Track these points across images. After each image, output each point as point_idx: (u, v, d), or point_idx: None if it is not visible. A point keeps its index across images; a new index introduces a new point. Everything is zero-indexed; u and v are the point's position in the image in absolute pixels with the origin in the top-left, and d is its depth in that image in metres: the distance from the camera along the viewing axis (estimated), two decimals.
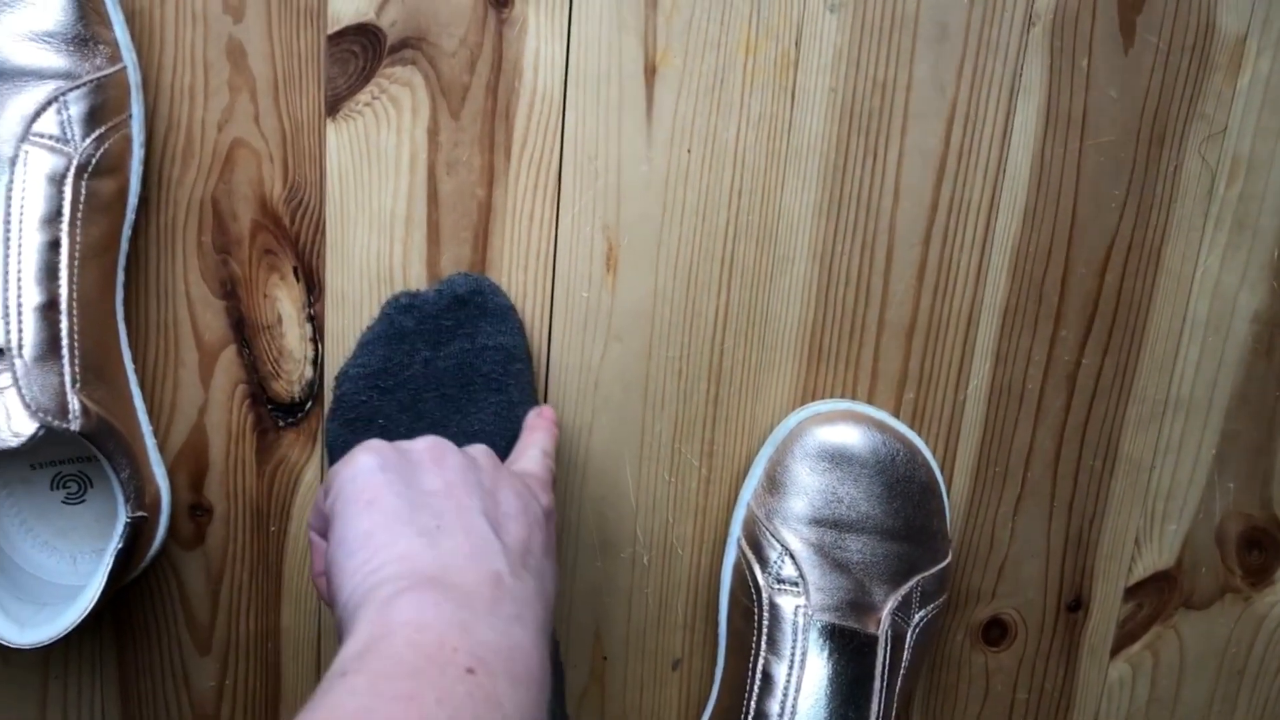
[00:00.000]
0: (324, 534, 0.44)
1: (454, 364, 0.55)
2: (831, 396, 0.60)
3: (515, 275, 0.57)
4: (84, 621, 0.51)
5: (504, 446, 0.55)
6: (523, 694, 0.37)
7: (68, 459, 0.55)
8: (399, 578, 0.38)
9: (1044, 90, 0.57)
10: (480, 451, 0.47)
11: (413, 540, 0.40)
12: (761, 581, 0.56)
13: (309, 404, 0.57)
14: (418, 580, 0.38)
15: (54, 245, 0.47)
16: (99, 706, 0.60)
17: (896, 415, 0.60)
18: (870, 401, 0.60)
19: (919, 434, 0.60)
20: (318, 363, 0.57)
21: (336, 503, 0.42)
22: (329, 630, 0.60)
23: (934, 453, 0.60)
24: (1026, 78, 0.56)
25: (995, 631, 0.64)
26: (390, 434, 0.55)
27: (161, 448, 0.57)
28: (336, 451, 0.56)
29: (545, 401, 0.58)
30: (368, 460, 0.43)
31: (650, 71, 0.55)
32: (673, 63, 0.55)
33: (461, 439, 0.55)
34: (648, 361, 0.58)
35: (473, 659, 0.36)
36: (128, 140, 0.51)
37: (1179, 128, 0.58)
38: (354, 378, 0.55)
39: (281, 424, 0.57)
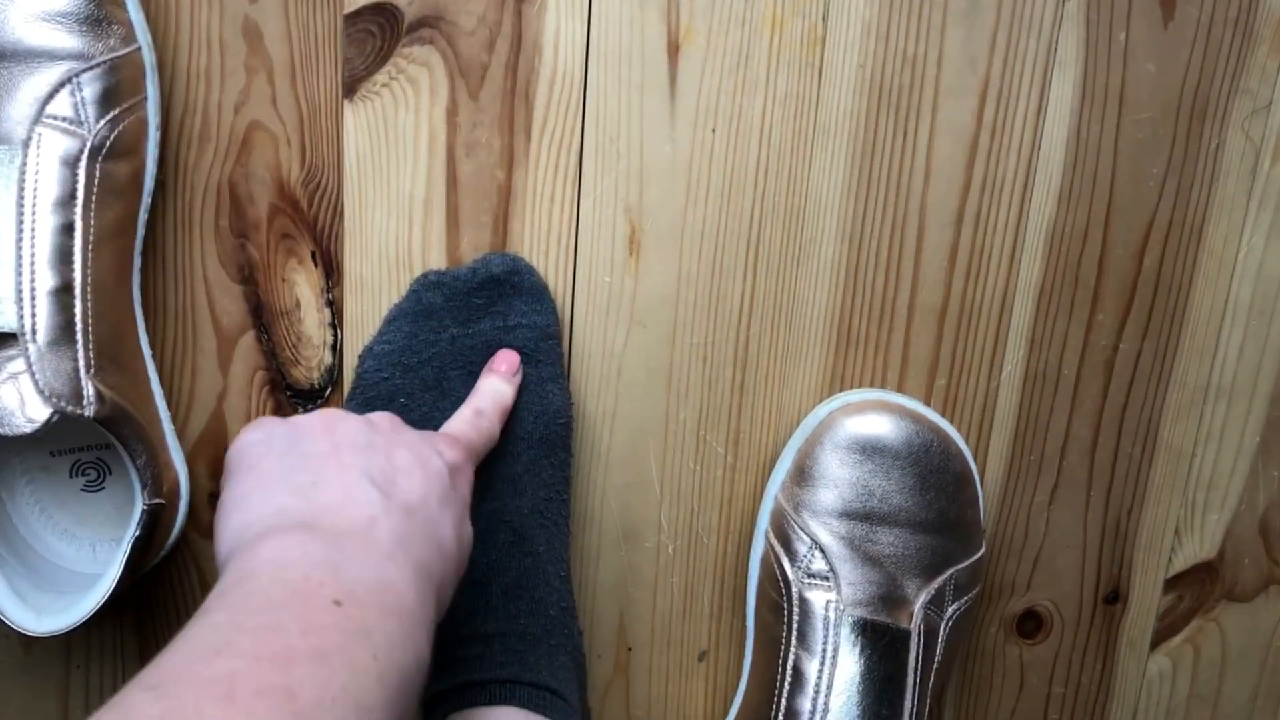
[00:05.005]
0: None
1: (482, 341, 0.54)
2: (860, 383, 0.58)
3: (536, 259, 0.56)
4: (105, 609, 0.51)
5: (532, 421, 0.54)
6: (393, 625, 0.36)
7: (86, 446, 0.55)
8: (268, 527, 0.39)
9: (1080, 65, 0.55)
10: (381, 416, 0.47)
11: (287, 497, 0.40)
12: (791, 575, 0.55)
13: (328, 390, 0.56)
14: (286, 526, 0.38)
15: (68, 229, 0.47)
16: None
17: (928, 402, 0.58)
18: (901, 388, 0.58)
19: (951, 422, 0.58)
20: (337, 348, 0.56)
21: (223, 477, 0.43)
22: None
23: (967, 441, 0.58)
24: (1062, 52, 0.55)
25: (1030, 624, 0.63)
26: (411, 413, 0.54)
27: (181, 435, 0.56)
28: None
29: (570, 389, 0.57)
30: (252, 435, 0.44)
31: (673, 49, 0.54)
32: (696, 40, 0.54)
33: None
34: (672, 348, 0.57)
35: (340, 592, 0.35)
36: (143, 123, 0.50)
37: (1221, 103, 0.56)
38: (377, 355, 0.55)
39: (301, 410, 0.57)
